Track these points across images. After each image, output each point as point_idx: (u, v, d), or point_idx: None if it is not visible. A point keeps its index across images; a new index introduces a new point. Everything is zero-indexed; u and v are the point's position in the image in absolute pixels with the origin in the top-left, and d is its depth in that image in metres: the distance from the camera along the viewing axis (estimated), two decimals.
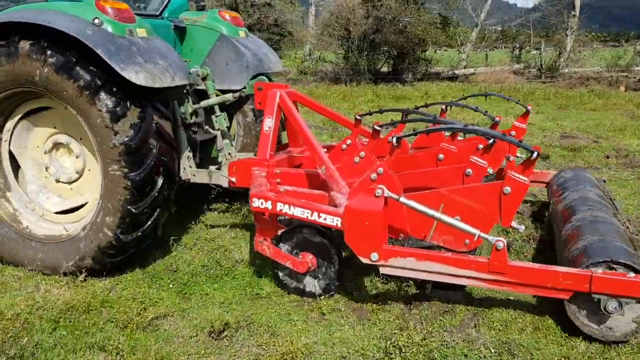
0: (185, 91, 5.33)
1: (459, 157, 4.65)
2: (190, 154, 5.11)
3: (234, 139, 6.08)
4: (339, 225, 3.64)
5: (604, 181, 5.55)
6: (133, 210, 4.18)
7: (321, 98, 16.10)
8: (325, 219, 3.69)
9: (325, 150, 5.48)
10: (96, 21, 4.09)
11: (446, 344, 3.43)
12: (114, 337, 3.50)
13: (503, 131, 5.68)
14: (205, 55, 5.76)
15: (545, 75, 22.71)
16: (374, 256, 3.57)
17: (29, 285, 4.23)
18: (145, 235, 4.38)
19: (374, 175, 3.77)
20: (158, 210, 4.39)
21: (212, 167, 5.10)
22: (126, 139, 4.05)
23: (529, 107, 5.59)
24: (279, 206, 3.83)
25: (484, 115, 5.27)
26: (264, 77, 5.19)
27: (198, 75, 5.40)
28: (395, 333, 3.54)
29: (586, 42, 25.39)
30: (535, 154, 3.38)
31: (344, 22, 21.18)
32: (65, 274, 4.35)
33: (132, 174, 4.11)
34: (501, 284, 3.43)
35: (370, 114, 5.02)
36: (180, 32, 5.79)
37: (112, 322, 3.71)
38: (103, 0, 4.24)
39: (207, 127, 5.75)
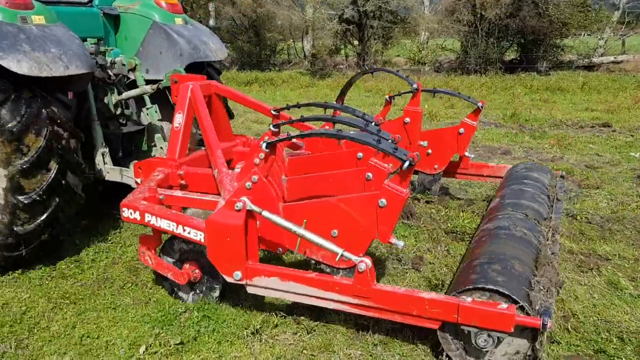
0: (111, 81, 5.13)
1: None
2: (106, 150, 4.90)
3: None
4: (203, 240, 3.35)
5: (562, 177, 5.03)
6: (23, 200, 4.01)
7: (467, 91, 15.17)
8: (189, 232, 3.41)
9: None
10: None
11: None
12: None
13: (456, 126, 5.27)
14: (139, 44, 5.51)
15: None
16: (237, 275, 3.28)
17: None
18: (46, 225, 4.20)
19: (248, 184, 3.45)
20: (56, 199, 4.19)
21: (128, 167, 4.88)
22: (8, 126, 3.87)
23: (480, 104, 5.12)
24: (147, 217, 3.57)
25: (405, 79, 4.94)
26: (180, 70, 4.89)
27: (123, 65, 5.18)
28: None
29: None
30: (407, 164, 2.98)
31: (472, 6, 19.78)
32: None
33: (17, 162, 3.93)
34: (366, 309, 3.08)
35: (287, 108, 4.63)
36: (114, 20, 5.55)
37: None
38: None
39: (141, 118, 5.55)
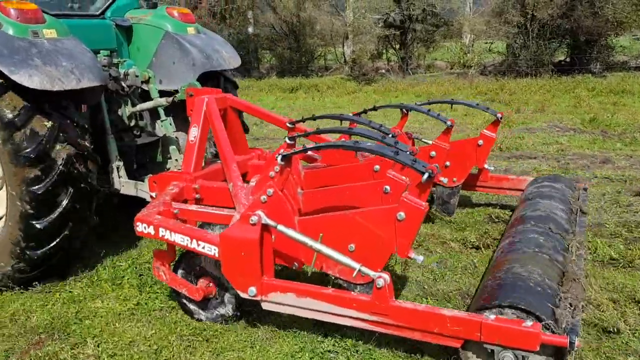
0: (124, 92, 5.13)
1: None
2: (121, 163, 4.87)
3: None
4: (217, 255, 3.29)
5: (585, 189, 4.90)
6: (37, 225, 4.00)
7: (524, 94, 14.49)
8: (203, 247, 3.35)
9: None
10: None
11: None
12: None
13: (475, 138, 5.16)
14: (152, 54, 5.50)
15: None
16: (252, 291, 3.20)
17: None
18: (58, 249, 4.18)
19: (263, 197, 3.39)
20: (70, 224, 4.17)
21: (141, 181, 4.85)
22: (23, 147, 3.88)
23: (500, 115, 5.01)
24: (161, 232, 3.52)
25: (437, 118, 4.74)
26: (196, 83, 4.86)
27: (136, 76, 5.17)
28: None
29: None
30: (426, 176, 2.90)
31: (522, 6, 19.03)
32: None
33: (34, 187, 3.92)
34: (385, 327, 2.99)
35: (303, 120, 4.59)
36: (126, 31, 5.55)
37: None
38: (6, 1, 4.07)
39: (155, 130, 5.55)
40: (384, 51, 24.18)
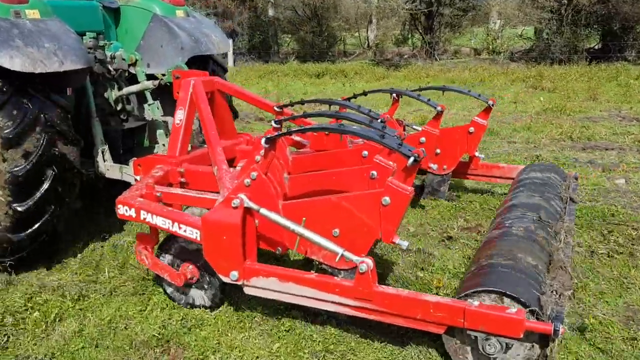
0: (110, 76, 5.04)
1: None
2: (106, 147, 4.79)
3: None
4: (199, 238, 3.23)
5: (576, 178, 4.84)
6: (19, 208, 3.93)
7: (565, 82, 13.71)
8: (185, 231, 3.29)
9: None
10: None
11: None
12: None
13: (466, 125, 5.10)
14: (140, 37, 5.41)
15: None
16: (234, 275, 3.15)
17: None
18: (40, 233, 4.12)
19: (247, 181, 3.32)
20: (52, 207, 4.11)
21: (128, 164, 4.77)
22: (5, 132, 3.78)
23: (491, 102, 4.94)
24: (143, 214, 3.45)
25: (427, 103, 4.68)
26: (183, 66, 4.78)
27: (123, 59, 5.08)
28: None
29: None
30: (411, 160, 2.83)
31: None
32: None
33: (14, 169, 3.84)
34: (368, 312, 2.94)
35: (291, 104, 4.53)
36: (114, 13, 5.45)
37: None
38: None
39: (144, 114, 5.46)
40: (409, 36, 23.60)
